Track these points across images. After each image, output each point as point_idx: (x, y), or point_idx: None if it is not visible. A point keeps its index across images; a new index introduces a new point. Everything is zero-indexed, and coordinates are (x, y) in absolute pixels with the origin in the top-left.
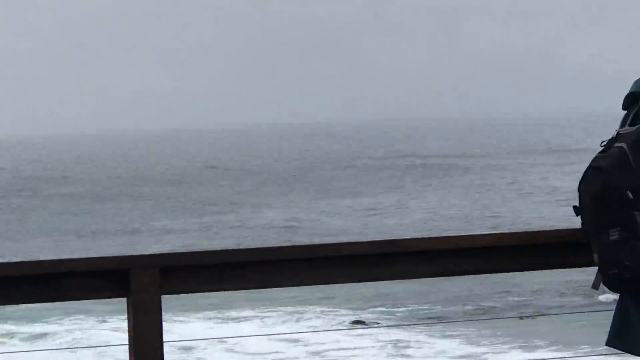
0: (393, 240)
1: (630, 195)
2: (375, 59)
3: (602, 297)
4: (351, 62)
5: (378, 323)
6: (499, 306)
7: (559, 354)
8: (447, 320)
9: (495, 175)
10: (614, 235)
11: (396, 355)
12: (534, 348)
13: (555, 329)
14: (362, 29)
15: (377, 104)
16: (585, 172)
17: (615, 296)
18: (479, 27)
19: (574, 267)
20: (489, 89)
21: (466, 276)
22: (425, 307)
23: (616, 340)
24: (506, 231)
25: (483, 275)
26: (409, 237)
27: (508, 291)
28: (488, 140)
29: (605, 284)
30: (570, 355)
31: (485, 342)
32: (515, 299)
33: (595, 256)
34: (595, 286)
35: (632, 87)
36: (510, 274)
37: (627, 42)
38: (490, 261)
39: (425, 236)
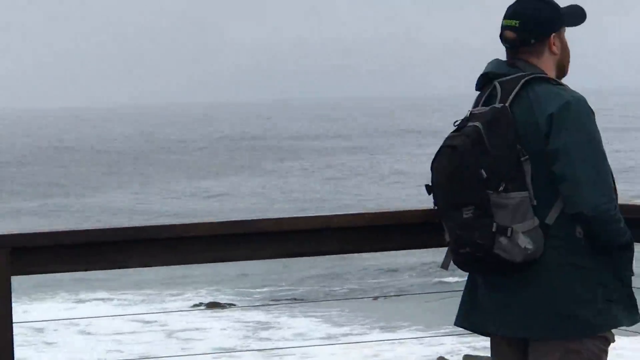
0: (244, 220)
1: (484, 174)
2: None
3: (448, 279)
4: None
5: (234, 305)
6: (357, 287)
7: (419, 334)
8: (305, 301)
9: (352, 157)
10: (467, 213)
11: (254, 337)
12: (395, 328)
13: (410, 309)
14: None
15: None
16: (439, 150)
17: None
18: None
19: (427, 247)
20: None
21: (323, 257)
22: (284, 288)
23: (465, 320)
24: (361, 211)
25: (340, 255)
26: (260, 218)
27: (364, 272)
28: (349, 122)
29: (456, 263)
30: (431, 334)
31: (346, 323)
32: (372, 280)
33: (447, 236)
34: (444, 266)
35: (486, 67)
36: (365, 254)
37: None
38: (345, 242)
39: (278, 217)
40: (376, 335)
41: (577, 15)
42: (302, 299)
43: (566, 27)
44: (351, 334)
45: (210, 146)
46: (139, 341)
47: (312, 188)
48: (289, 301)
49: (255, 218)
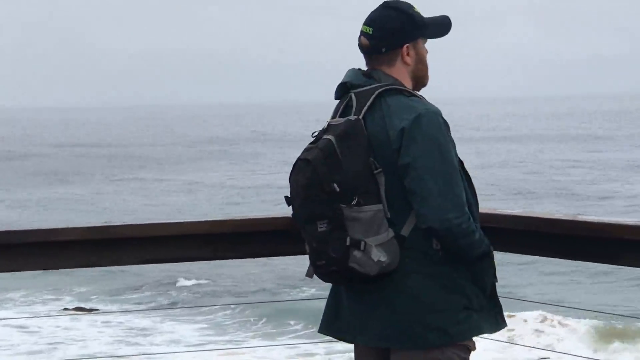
0: (108, 226)
1: (337, 188)
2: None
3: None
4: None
5: (98, 309)
6: (238, 293)
7: (296, 341)
8: (183, 306)
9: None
10: (321, 227)
11: (126, 342)
12: (273, 335)
13: (291, 315)
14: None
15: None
16: (295, 163)
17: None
18: None
19: (291, 255)
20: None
21: (185, 263)
22: (148, 294)
23: (328, 327)
24: (223, 218)
25: (202, 262)
26: (123, 224)
27: (227, 279)
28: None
29: (316, 274)
30: (304, 341)
31: (226, 330)
32: (233, 287)
33: (307, 247)
34: (309, 275)
35: (344, 77)
36: (229, 261)
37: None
38: (210, 248)
39: (140, 222)
40: (257, 342)
41: (439, 28)
42: (177, 304)
43: (428, 38)
44: (233, 340)
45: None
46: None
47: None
48: (166, 306)
49: (119, 224)
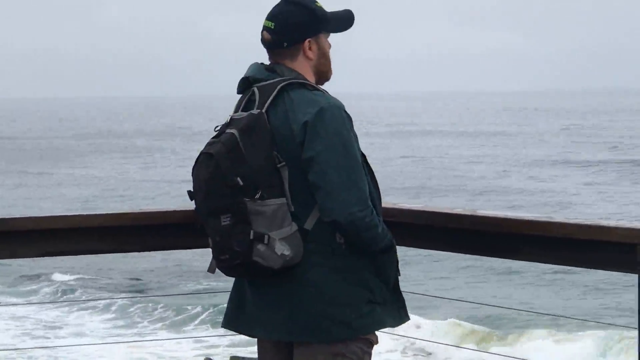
0: (6, 219)
1: (240, 182)
2: None
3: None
4: None
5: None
6: (127, 285)
7: (199, 334)
8: (87, 300)
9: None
10: (225, 221)
11: (32, 335)
12: (177, 328)
13: (173, 309)
14: None
15: None
16: (198, 157)
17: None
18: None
19: (195, 248)
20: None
21: (84, 256)
22: (49, 287)
23: (232, 322)
24: (127, 211)
25: (102, 255)
26: (17, 217)
27: (127, 271)
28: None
29: (219, 269)
30: (206, 334)
31: (133, 322)
32: (132, 280)
33: (210, 241)
34: (211, 270)
35: (247, 71)
36: (129, 254)
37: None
38: (107, 241)
39: (39, 215)
40: (163, 334)
41: (342, 22)
42: (82, 297)
43: (330, 33)
44: (140, 333)
45: None
46: None
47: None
48: (71, 299)
49: (18, 217)
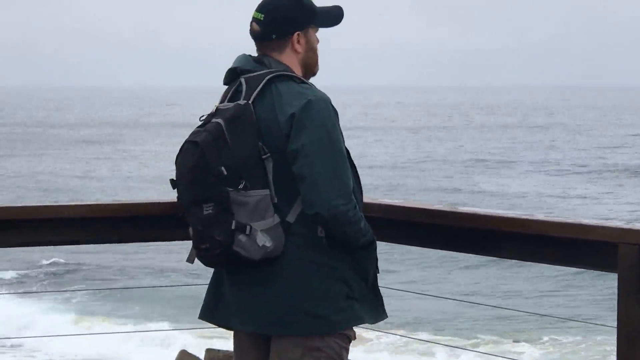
0: None
1: (224, 171)
2: None
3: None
4: None
5: None
6: (111, 278)
7: (166, 326)
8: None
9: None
10: (207, 210)
11: None
12: (141, 320)
13: (148, 301)
14: None
15: None
16: (182, 146)
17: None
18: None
19: (173, 240)
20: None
21: (63, 246)
22: (10, 276)
23: (209, 313)
24: (105, 202)
25: (77, 246)
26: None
27: (94, 264)
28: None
29: (199, 259)
30: (177, 327)
31: (94, 314)
32: (112, 273)
33: (191, 230)
34: (190, 260)
35: (234, 62)
36: (111, 245)
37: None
38: (85, 232)
39: (13, 205)
40: (128, 327)
41: (330, 17)
42: (47, 288)
43: (319, 27)
44: (104, 324)
45: None
46: None
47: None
48: (32, 291)
49: None
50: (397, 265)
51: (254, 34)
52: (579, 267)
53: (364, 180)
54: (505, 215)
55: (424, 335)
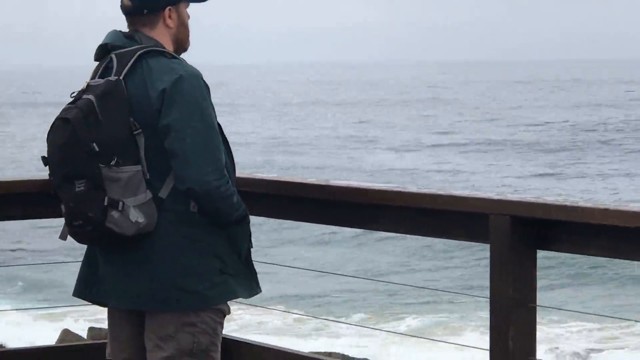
0: None
1: (96, 148)
2: None
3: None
4: None
5: None
6: None
7: (45, 304)
8: None
9: None
10: (79, 187)
11: None
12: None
13: (34, 281)
14: None
15: None
16: (53, 123)
17: None
18: None
19: (47, 217)
20: None
21: None
22: None
23: (84, 290)
24: None
25: None
26: None
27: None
28: None
29: (71, 236)
30: (57, 305)
31: None
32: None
33: (63, 207)
34: (62, 237)
35: (104, 38)
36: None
37: None
38: None
39: None
40: (12, 304)
41: None
42: None
43: (190, 3)
44: None
45: None
46: None
47: None
48: None
49: None
50: (275, 240)
51: (125, 9)
52: (453, 239)
53: (237, 157)
54: (378, 188)
55: (301, 310)
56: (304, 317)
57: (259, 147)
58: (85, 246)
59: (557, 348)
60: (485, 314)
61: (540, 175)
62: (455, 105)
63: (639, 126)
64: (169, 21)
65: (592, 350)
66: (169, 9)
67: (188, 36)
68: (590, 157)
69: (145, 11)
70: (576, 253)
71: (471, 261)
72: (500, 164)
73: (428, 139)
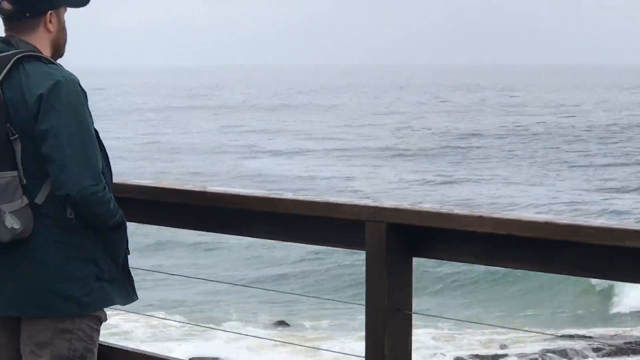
0: None
1: None
2: None
3: None
4: None
5: None
6: None
7: None
8: None
9: None
10: None
11: None
12: None
13: None
14: None
15: None
16: None
17: None
18: None
19: None
20: None
21: None
22: None
23: None
24: None
25: None
26: None
27: None
28: None
29: None
30: None
31: None
32: None
33: None
34: None
35: None
36: None
37: None
38: None
39: None
40: None
41: None
42: None
43: (67, 8)
44: None
45: None
46: None
47: None
48: None
49: None
50: (154, 246)
51: (4, 13)
52: (330, 246)
53: (114, 163)
54: (255, 195)
55: (181, 318)
56: (179, 323)
57: (136, 153)
58: None
59: (433, 355)
60: (362, 321)
61: (424, 181)
62: (334, 110)
63: (519, 131)
64: (49, 25)
65: (470, 356)
66: (50, 13)
67: (66, 41)
68: (473, 164)
69: (27, 15)
70: (451, 260)
71: (351, 267)
72: (382, 170)
73: (307, 145)
